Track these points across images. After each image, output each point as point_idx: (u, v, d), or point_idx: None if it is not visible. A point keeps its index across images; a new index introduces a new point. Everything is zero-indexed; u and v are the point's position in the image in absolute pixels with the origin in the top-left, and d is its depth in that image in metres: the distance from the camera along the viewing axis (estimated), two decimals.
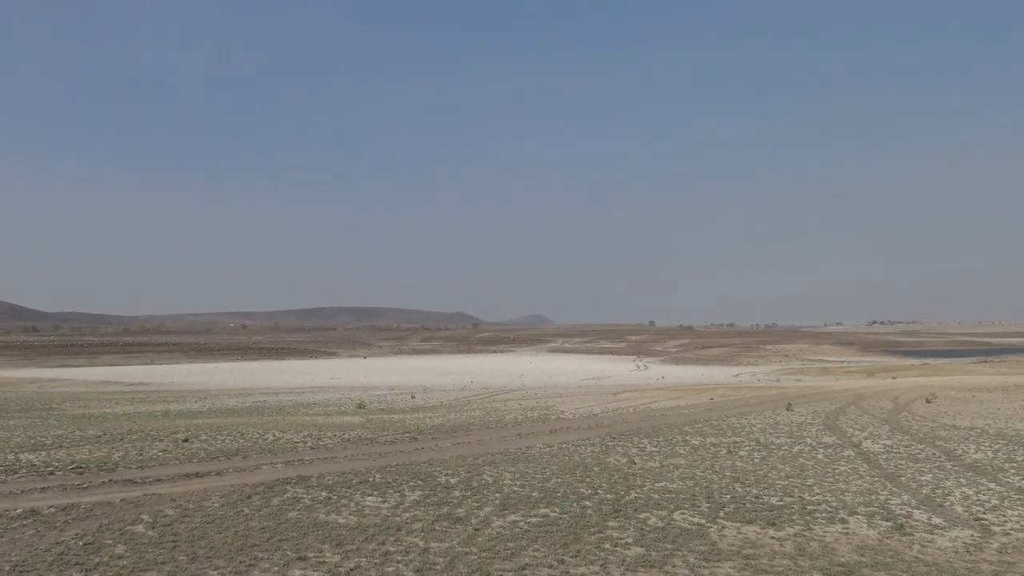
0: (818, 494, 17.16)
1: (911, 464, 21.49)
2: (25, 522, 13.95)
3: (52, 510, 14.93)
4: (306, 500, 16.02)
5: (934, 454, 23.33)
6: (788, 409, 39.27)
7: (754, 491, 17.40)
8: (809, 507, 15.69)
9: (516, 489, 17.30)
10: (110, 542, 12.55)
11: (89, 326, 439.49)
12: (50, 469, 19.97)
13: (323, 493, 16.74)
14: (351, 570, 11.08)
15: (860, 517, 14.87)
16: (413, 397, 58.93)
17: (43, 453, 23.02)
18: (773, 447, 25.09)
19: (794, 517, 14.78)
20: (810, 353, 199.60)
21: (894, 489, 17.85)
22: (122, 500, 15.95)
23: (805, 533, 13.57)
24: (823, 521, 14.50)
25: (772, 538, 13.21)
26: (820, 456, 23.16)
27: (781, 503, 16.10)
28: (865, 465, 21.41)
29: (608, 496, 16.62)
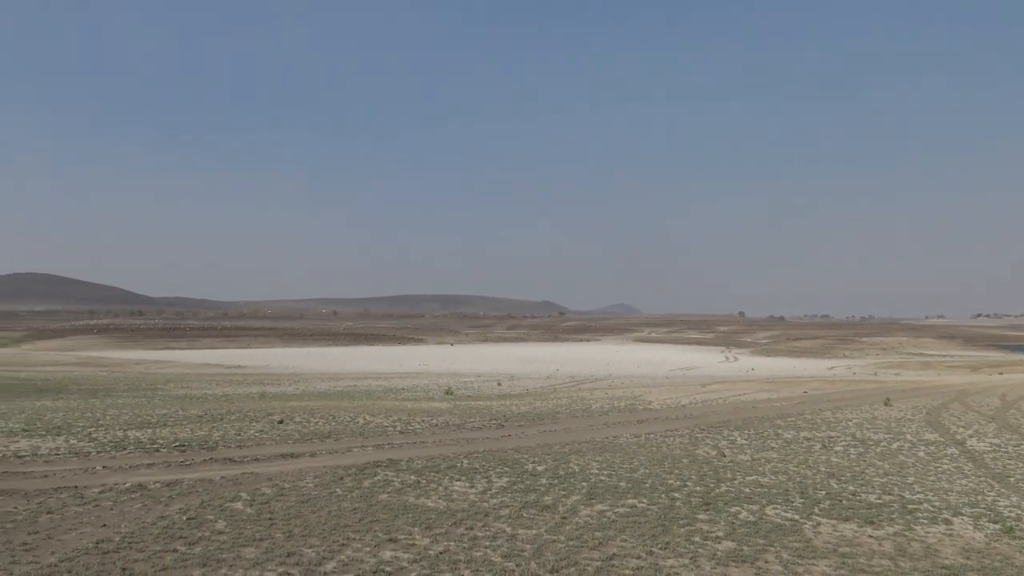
0: (919, 493, 16.48)
1: (1021, 464, 20.43)
2: (133, 496, 14.65)
3: (157, 485, 15.64)
4: (396, 483, 16.30)
5: None
6: (886, 404, 37.88)
7: (851, 488, 16.84)
8: (910, 506, 15.07)
9: (603, 479, 17.20)
10: (211, 517, 13.06)
11: (191, 311, 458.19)
12: (156, 446, 20.94)
13: (412, 477, 17.02)
14: (440, 554, 11.21)
15: (965, 518, 14.20)
16: (499, 384, 59.32)
17: (149, 431, 24.14)
18: (871, 443, 24.23)
19: (894, 516, 14.23)
20: (909, 347, 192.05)
21: (1002, 490, 17.00)
22: (222, 478, 16.59)
23: (906, 533, 13.04)
24: (925, 521, 13.91)
25: (870, 537, 12.74)
26: (921, 454, 22.25)
27: (880, 501, 15.52)
28: (970, 464, 20.46)
29: (698, 488, 16.36)
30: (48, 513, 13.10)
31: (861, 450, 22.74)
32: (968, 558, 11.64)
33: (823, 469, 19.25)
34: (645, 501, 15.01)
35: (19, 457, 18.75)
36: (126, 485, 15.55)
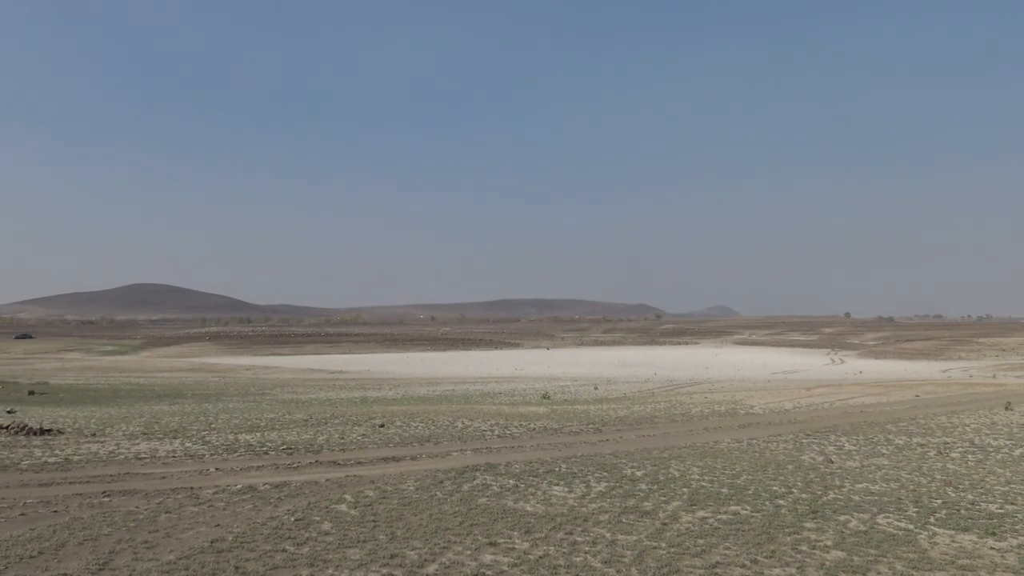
0: None
1: None
2: (244, 497, 15.26)
3: (267, 487, 16.24)
4: (495, 487, 16.43)
5: None
6: (1007, 408, 35.86)
7: (969, 496, 16.01)
8: None
9: (704, 484, 16.89)
10: (318, 519, 13.47)
11: (295, 317, 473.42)
12: (264, 449, 21.76)
13: (511, 481, 17.11)
14: (540, 558, 11.23)
15: None
16: (596, 388, 59.04)
17: (258, 434, 25.09)
18: (990, 449, 22.99)
19: (1018, 527, 13.44)
20: None
21: None
22: (327, 480, 17.09)
23: None
24: None
25: (992, 549, 12.08)
26: None
27: (1002, 511, 14.69)
28: None
29: (804, 496, 15.87)
30: (166, 513, 13.79)
31: (980, 457, 21.60)
32: None
33: (939, 477, 18.37)
34: (748, 508, 14.67)
35: (139, 459, 19.81)
36: (238, 486, 16.21)
